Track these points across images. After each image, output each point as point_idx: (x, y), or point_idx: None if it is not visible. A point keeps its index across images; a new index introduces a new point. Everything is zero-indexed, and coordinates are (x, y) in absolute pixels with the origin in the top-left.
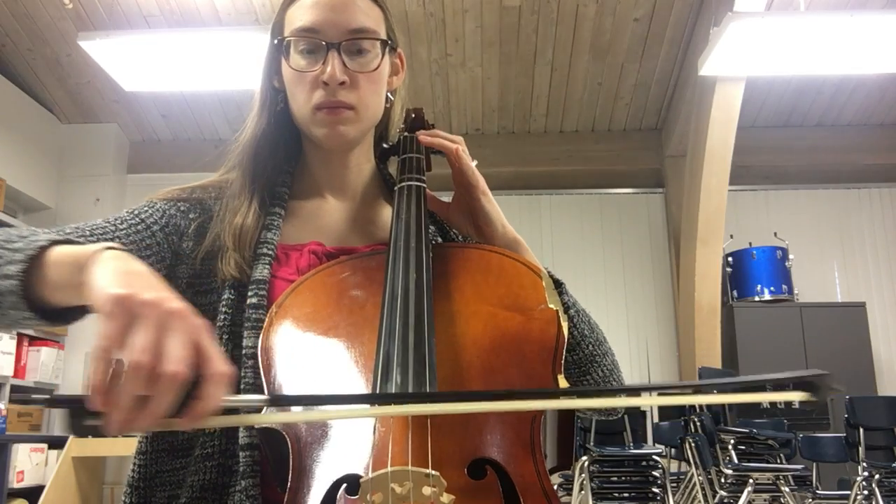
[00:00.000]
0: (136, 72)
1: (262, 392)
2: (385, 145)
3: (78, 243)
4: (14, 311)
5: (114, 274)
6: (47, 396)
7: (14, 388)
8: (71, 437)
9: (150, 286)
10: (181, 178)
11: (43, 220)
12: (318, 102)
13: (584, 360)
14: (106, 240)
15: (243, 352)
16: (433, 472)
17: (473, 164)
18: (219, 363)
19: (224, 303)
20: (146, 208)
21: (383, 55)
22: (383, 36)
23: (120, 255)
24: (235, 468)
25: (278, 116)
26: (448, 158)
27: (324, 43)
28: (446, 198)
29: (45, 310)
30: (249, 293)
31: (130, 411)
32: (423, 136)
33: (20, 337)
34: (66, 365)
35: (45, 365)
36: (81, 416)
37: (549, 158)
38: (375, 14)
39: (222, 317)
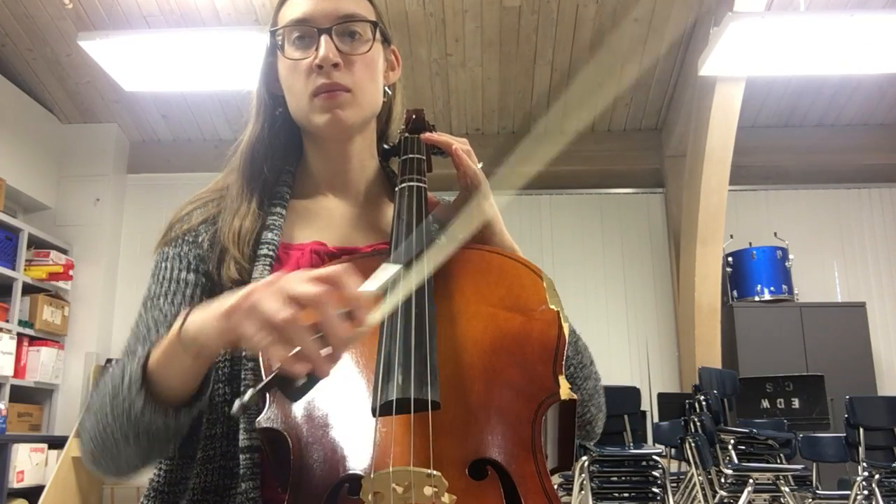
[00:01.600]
0: (136, 72)
1: (262, 395)
2: (386, 146)
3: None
4: (156, 424)
5: (210, 310)
6: (261, 384)
7: (14, 388)
8: (71, 437)
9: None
10: (181, 178)
11: (43, 220)
12: (314, 88)
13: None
14: (167, 325)
15: (243, 354)
16: (434, 472)
17: (479, 165)
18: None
19: None
20: (165, 265)
21: (374, 38)
22: (373, 20)
23: (195, 310)
24: (236, 471)
25: (276, 121)
26: (452, 158)
27: (315, 29)
28: (448, 197)
29: (176, 406)
30: None
31: (319, 352)
32: (428, 134)
33: (20, 337)
34: (66, 365)
35: (44, 365)
36: (291, 384)
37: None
38: (365, 6)
39: None
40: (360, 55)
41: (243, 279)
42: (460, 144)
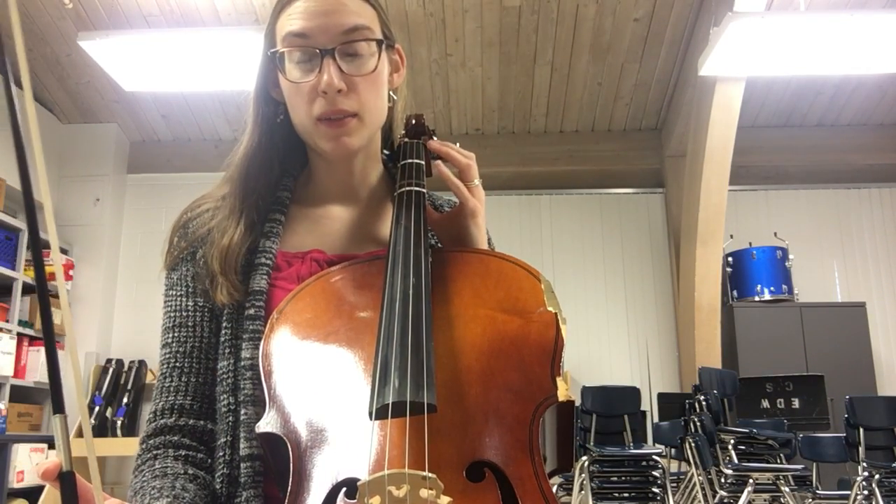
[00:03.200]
0: (136, 72)
1: (261, 403)
2: (386, 152)
3: None
4: None
5: None
6: None
7: (14, 388)
8: (71, 437)
9: None
10: (181, 178)
11: (43, 220)
12: (319, 114)
13: None
14: (178, 370)
15: (241, 363)
16: (430, 474)
17: (477, 182)
18: None
19: (225, 317)
20: (170, 293)
21: (380, 54)
22: (378, 34)
23: None
24: (239, 479)
25: (278, 128)
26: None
27: (318, 50)
28: (447, 197)
29: None
30: (247, 304)
31: None
32: (434, 142)
33: (20, 337)
34: (67, 365)
35: (45, 365)
36: None
37: (549, 158)
38: (368, 13)
39: (224, 330)
40: (364, 76)
41: (234, 300)
42: (462, 158)
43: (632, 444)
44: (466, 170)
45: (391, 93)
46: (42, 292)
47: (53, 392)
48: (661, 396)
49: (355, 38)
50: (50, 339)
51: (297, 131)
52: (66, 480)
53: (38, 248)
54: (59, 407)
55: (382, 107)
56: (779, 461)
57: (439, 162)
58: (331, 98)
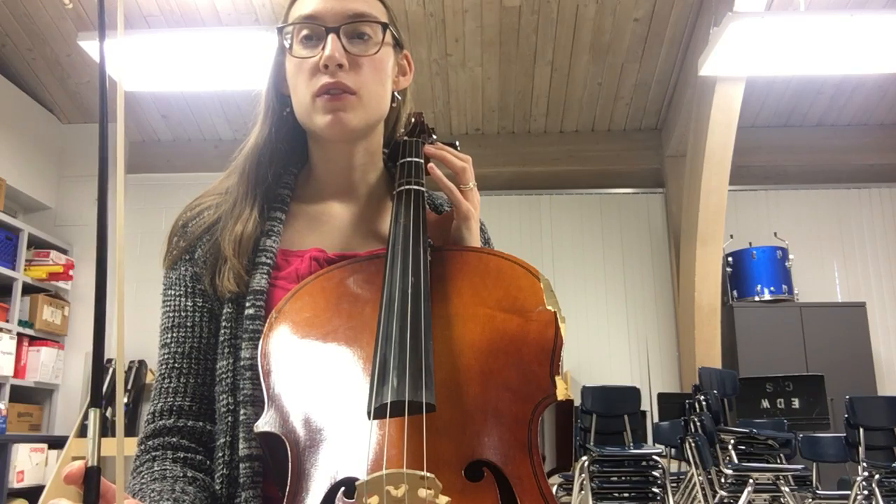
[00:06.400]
0: (137, 72)
1: (261, 403)
2: (385, 150)
3: None
4: None
5: None
6: None
7: (14, 388)
8: (71, 437)
9: None
10: (181, 178)
11: (43, 220)
12: (318, 87)
13: None
14: (176, 371)
15: (241, 363)
16: (428, 474)
17: (471, 185)
18: None
19: (225, 317)
20: (169, 293)
21: (384, 39)
22: (384, 21)
23: None
24: (239, 479)
25: (283, 122)
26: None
27: (323, 28)
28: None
29: None
30: (247, 304)
31: None
32: (429, 148)
33: (20, 337)
34: (66, 365)
35: (45, 365)
36: None
37: (549, 158)
38: (377, 7)
39: (223, 330)
40: (367, 57)
41: (240, 289)
42: (457, 161)
43: (632, 444)
44: (461, 173)
45: (396, 94)
46: (100, 306)
47: (94, 387)
48: (661, 396)
49: (362, 20)
50: (99, 338)
51: (297, 114)
52: (91, 476)
53: (104, 255)
54: (97, 401)
55: (383, 96)
56: (779, 461)
57: (432, 164)
58: (331, 71)
